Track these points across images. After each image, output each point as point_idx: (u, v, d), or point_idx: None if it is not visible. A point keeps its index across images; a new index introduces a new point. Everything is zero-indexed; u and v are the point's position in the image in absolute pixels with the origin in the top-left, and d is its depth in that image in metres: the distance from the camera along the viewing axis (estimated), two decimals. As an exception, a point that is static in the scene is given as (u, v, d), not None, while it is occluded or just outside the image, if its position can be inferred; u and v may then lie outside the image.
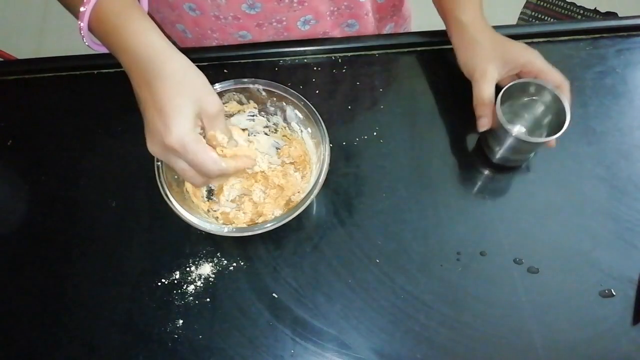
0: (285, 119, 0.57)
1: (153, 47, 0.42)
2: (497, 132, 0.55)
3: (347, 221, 0.57)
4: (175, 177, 0.51)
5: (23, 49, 1.67)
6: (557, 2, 1.65)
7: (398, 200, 0.58)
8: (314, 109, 0.53)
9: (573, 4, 1.63)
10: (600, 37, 0.68)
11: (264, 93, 0.55)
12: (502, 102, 0.53)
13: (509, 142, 0.54)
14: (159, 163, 0.49)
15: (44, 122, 0.65)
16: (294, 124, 0.57)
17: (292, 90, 0.54)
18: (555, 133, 0.52)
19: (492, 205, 0.57)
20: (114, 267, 0.55)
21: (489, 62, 0.56)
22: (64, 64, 0.68)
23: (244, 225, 0.54)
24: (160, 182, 0.49)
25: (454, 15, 0.59)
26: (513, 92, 0.55)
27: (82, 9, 0.43)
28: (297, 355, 0.50)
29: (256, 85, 0.54)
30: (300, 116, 0.55)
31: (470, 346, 0.50)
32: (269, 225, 0.48)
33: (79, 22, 0.44)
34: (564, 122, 0.52)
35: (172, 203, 0.48)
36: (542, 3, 1.65)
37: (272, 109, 0.57)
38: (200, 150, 0.42)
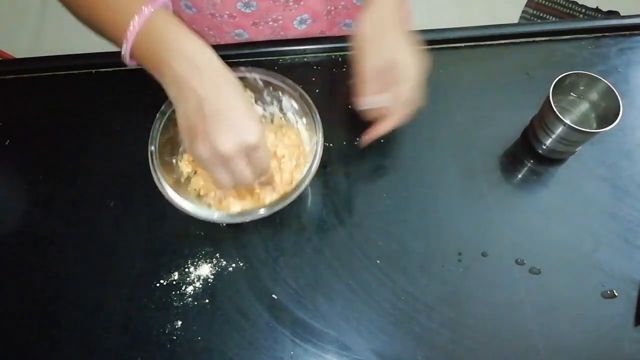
0: (281, 109, 0.57)
1: (214, 57, 0.44)
2: (547, 122, 0.55)
3: (347, 221, 0.56)
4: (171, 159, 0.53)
5: (21, 48, 1.67)
6: (559, 0, 1.64)
7: (398, 200, 0.57)
8: (309, 100, 0.53)
9: (575, 2, 1.63)
10: (602, 36, 0.68)
11: (260, 83, 0.55)
12: (553, 95, 0.54)
13: (559, 132, 0.54)
14: (152, 148, 0.50)
15: (42, 121, 0.65)
16: (289, 114, 0.57)
17: (288, 80, 0.54)
18: (604, 126, 0.52)
19: (493, 206, 0.57)
20: (112, 267, 0.55)
21: (372, 45, 0.52)
22: (62, 63, 0.68)
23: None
24: (153, 165, 0.49)
25: None
26: (563, 83, 0.55)
27: (132, 24, 0.43)
28: (297, 357, 0.50)
29: (253, 75, 0.54)
30: (296, 106, 0.55)
31: (472, 347, 0.50)
32: (261, 212, 0.48)
33: (126, 37, 0.44)
34: (614, 115, 0.52)
35: (163, 186, 0.48)
36: (544, 2, 1.65)
37: (268, 98, 0.57)
38: (267, 146, 0.46)
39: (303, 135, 0.57)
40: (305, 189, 0.58)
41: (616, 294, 0.52)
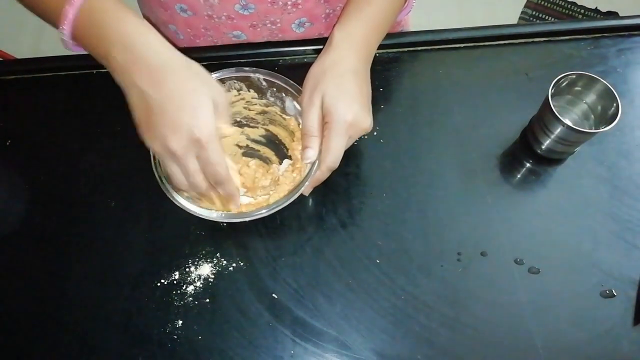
0: (284, 110, 0.57)
1: (155, 43, 0.42)
2: (546, 123, 0.55)
3: (347, 221, 0.56)
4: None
5: (22, 49, 1.67)
6: (558, 1, 1.64)
7: (398, 200, 0.57)
8: None
9: (574, 3, 1.63)
10: (601, 36, 0.68)
11: (264, 83, 0.55)
12: (551, 95, 0.54)
13: (558, 132, 0.55)
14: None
15: (42, 122, 0.65)
16: (292, 115, 0.57)
17: (292, 82, 0.54)
18: (602, 126, 0.52)
19: (492, 205, 0.57)
20: (113, 267, 0.55)
21: (319, 93, 0.49)
22: (63, 63, 0.68)
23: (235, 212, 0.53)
24: (155, 163, 0.49)
25: (334, 27, 0.53)
26: (562, 84, 0.56)
27: (67, 6, 0.42)
28: (297, 356, 0.50)
29: (257, 75, 0.54)
30: (299, 108, 0.55)
31: (471, 347, 0.50)
32: (263, 211, 0.48)
33: (62, 25, 0.43)
34: (612, 115, 0.53)
35: (164, 184, 0.48)
36: (543, 2, 1.65)
37: (272, 99, 0.57)
38: (220, 149, 0.43)
39: None
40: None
41: (615, 294, 0.52)
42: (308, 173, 0.50)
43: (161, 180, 0.48)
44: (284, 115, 0.57)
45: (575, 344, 0.50)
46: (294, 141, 0.58)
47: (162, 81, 0.41)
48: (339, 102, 0.48)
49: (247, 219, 0.48)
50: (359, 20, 0.52)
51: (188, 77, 0.42)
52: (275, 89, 0.55)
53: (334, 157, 0.49)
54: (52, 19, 0.45)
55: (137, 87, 0.41)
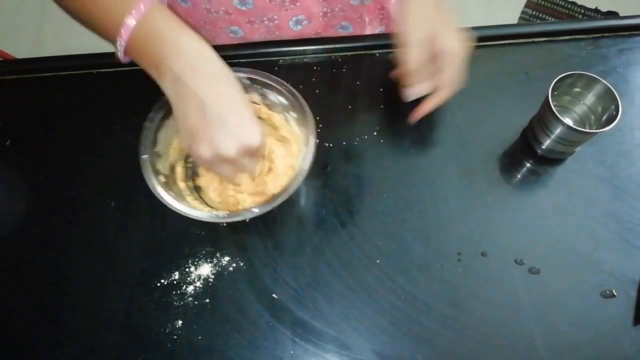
0: (269, 107, 0.57)
1: (213, 55, 0.44)
2: (546, 123, 0.55)
3: (347, 221, 0.56)
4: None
5: (22, 49, 1.67)
6: (558, 1, 1.64)
7: (398, 200, 0.57)
8: (297, 93, 0.53)
9: (574, 3, 1.63)
10: (601, 36, 0.68)
11: (247, 81, 0.55)
12: (552, 95, 0.54)
13: (558, 132, 0.54)
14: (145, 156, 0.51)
15: (42, 122, 0.65)
16: (278, 110, 0.57)
17: (274, 77, 0.54)
18: (602, 126, 0.52)
19: (492, 205, 0.57)
20: (113, 267, 0.55)
21: (416, 31, 0.53)
22: (62, 63, 0.68)
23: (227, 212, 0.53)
24: (147, 173, 0.50)
25: None
26: (562, 83, 0.56)
27: (127, 20, 0.43)
28: (297, 357, 0.50)
29: (238, 74, 0.54)
30: (285, 102, 0.55)
31: (471, 347, 0.50)
32: (255, 210, 0.48)
33: (121, 34, 0.44)
34: (612, 115, 0.52)
35: (154, 187, 0.49)
36: (543, 2, 1.65)
37: (256, 97, 0.57)
38: (264, 153, 0.48)
39: (295, 129, 0.57)
40: (306, 189, 0.58)
41: (615, 294, 0.52)
42: (301, 169, 0.50)
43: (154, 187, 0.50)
44: (268, 112, 0.58)
45: (575, 344, 0.50)
46: (278, 139, 0.58)
47: (222, 92, 0.43)
48: (445, 32, 0.53)
49: (237, 219, 0.49)
50: None
51: (238, 88, 0.45)
52: (258, 86, 0.55)
53: (460, 78, 0.55)
54: (109, 29, 0.46)
55: (196, 97, 0.42)
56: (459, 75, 0.55)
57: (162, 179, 0.51)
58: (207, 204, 0.55)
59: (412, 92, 0.57)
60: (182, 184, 0.55)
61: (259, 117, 0.59)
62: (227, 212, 0.50)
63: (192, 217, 0.48)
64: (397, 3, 0.56)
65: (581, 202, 0.57)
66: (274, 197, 0.49)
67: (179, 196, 0.52)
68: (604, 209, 0.57)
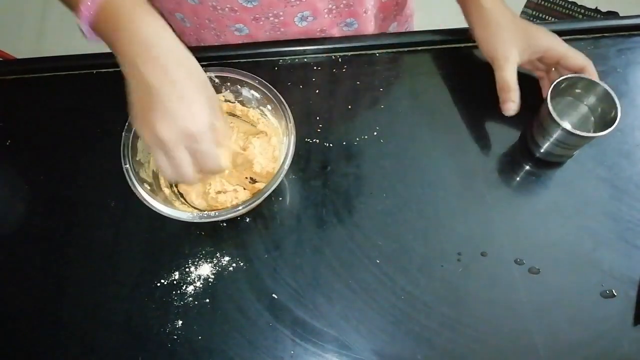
0: (243, 104, 0.58)
1: (171, 40, 0.43)
2: (545, 126, 0.55)
3: (347, 221, 0.56)
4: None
5: (22, 49, 1.67)
6: (558, 1, 1.64)
7: (398, 200, 0.57)
8: (270, 86, 0.54)
9: (574, 3, 1.63)
10: (601, 36, 0.68)
11: (217, 80, 0.55)
12: (551, 97, 0.54)
13: (557, 135, 0.54)
14: (127, 166, 0.51)
15: (42, 121, 0.65)
16: (253, 106, 0.57)
17: (244, 72, 0.54)
18: (603, 129, 0.52)
19: (492, 206, 0.57)
20: (113, 267, 0.55)
21: (512, 46, 0.57)
22: (63, 63, 0.68)
23: (209, 211, 0.53)
24: (132, 181, 0.50)
25: (474, 1, 0.60)
26: (561, 87, 0.56)
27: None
28: (297, 356, 0.50)
29: (208, 74, 0.54)
30: (258, 96, 0.55)
31: (471, 347, 0.50)
32: (240, 209, 0.48)
33: (80, 12, 0.43)
34: (612, 119, 0.52)
35: (135, 185, 0.50)
36: (543, 2, 1.65)
37: (230, 95, 0.58)
38: (213, 142, 0.44)
39: (272, 122, 0.58)
40: (306, 189, 0.58)
41: (615, 294, 0.52)
42: (282, 164, 0.50)
43: (128, 174, 0.50)
44: (243, 108, 0.58)
45: (575, 344, 0.50)
46: (257, 134, 0.58)
47: (166, 72, 0.42)
48: (535, 35, 0.57)
49: (221, 218, 0.49)
50: None
51: (192, 74, 0.43)
52: (229, 83, 0.56)
53: (582, 57, 0.57)
54: (72, 4, 0.45)
55: (145, 81, 0.42)
56: (574, 51, 0.57)
57: (147, 187, 0.51)
58: (195, 208, 0.56)
59: (514, 108, 0.58)
60: (167, 190, 0.55)
61: (233, 115, 0.60)
62: (216, 211, 0.50)
63: (182, 219, 0.49)
64: (476, 28, 0.60)
65: (581, 202, 0.57)
66: (259, 192, 0.49)
67: (167, 202, 0.52)
68: (604, 209, 0.57)
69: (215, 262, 0.55)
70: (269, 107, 0.56)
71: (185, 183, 0.46)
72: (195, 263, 0.55)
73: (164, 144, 0.42)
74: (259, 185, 0.56)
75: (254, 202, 0.49)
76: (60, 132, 0.64)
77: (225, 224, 0.57)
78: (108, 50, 0.45)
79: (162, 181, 0.56)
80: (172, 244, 0.56)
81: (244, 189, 0.56)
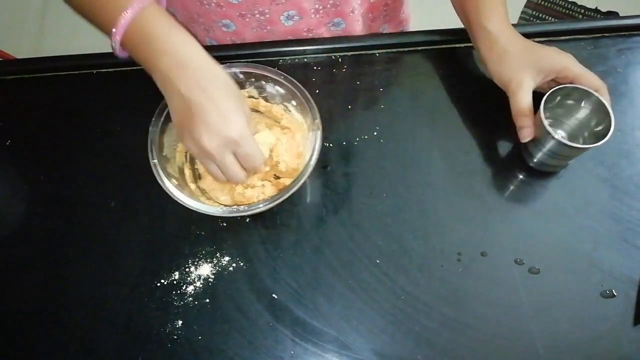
0: (267, 99, 0.58)
1: (202, 57, 0.47)
2: (538, 136, 0.55)
3: (347, 221, 0.56)
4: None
5: (22, 49, 1.67)
6: (558, 1, 1.64)
7: (398, 200, 0.57)
8: (294, 81, 0.54)
9: (574, 3, 1.63)
10: (601, 36, 0.68)
11: (241, 76, 0.55)
12: (544, 108, 0.53)
13: (550, 146, 0.54)
14: (155, 160, 0.51)
15: (42, 121, 0.65)
16: (277, 101, 0.57)
17: (269, 67, 0.54)
18: (596, 140, 0.51)
19: (492, 206, 0.57)
20: (113, 267, 0.55)
21: (524, 72, 0.56)
22: (62, 63, 0.68)
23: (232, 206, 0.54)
24: (160, 176, 0.50)
25: (480, 25, 0.58)
26: (556, 97, 0.55)
27: (122, 18, 0.45)
28: (297, 356, 0.50)
29: (233, 70, 0.54)
30: (282, 91, 0.55)
31: (471, 347, 0.50)
32: (260, 206, 0.49)
33: (114, 30, 0.45)
34: (605, 129, 0.52)
35: (163, 180, 0.50)
36: (543, 2, 1.65)
37: (254, 91, 0.58)
38: (254, 142, 0.48)
39: (297, 117, 0.57)
40: (305, 189, 0.58)
41: (615, 294, 0.52)
42: (308, 162, 0.50)
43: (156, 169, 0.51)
44: (267, 104, 0.58)
45: (575, 344, 0.50)
46: (282, 130, 0.58)
47: (205, 88, 0.45)
48: (546, 56, 0.56)
49: (246, 213, 0.50)
50: (494, 7, 0.59)
51: (227, 88, 0.47)
52: (253, 79, 0.56)
53: (596, 79, 0.55)
54: (105, 24, 0.47)
55: (180, 94, 0.45)
56: (588, 72, 0.56)
57: (175, 181, 0.52)
58: (220, 204, 0.56)
59: (530, 133, 0.56)
60: (192, 186, 0.56)
61: (257, 111, 0.60)
62: (245, 205, 0.51)
63: (211, 214, 0.50)
64: (484, 54, 0.59)
65: (581, 202, 0.57)
66: (287, 187, 0.50)
67: (194, 197, 0.52)
68: (604, 209, 0.57)
69: (215, 262, 0.55)
70: (293, 102, 0.56)
71: (235, 182, 0.50)
72: (195, 263, 0.55)
73: (212, 155, 0.46)
74: (283, 181, 0.56)
75: (281, 197, 0.50)
76: (60, 132, 0.64)
77: (225, 224, 0.57)
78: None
79: (187, 177, 0.56)
80: (172, 244, 0.56)
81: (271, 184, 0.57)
